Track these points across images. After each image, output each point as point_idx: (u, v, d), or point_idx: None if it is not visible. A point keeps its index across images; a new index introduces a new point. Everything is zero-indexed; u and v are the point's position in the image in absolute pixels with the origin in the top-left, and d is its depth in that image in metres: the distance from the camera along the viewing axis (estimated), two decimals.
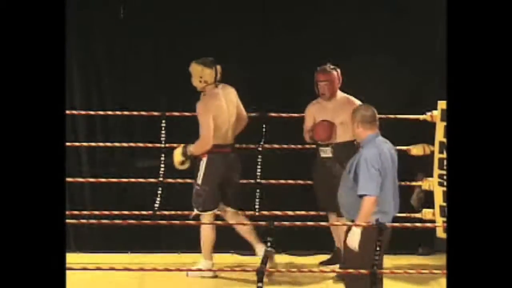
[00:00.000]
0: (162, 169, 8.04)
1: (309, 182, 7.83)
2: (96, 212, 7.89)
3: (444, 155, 7.73)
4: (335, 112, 7.10)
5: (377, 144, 5.95)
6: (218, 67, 7.36)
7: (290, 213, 7.41)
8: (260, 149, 8.06)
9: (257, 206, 7.86)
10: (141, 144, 8.13)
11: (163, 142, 8.04)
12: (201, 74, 7.27)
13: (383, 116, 7.37)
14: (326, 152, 7.18)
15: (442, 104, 7.66)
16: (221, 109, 7.35)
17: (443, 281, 7.31)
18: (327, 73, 7.11)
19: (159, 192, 8.00)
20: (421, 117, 7.93)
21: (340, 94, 7.22)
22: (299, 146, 8.02)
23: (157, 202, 7.92)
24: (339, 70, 7.20)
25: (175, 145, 7.96)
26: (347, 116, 6.53)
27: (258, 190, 7.88)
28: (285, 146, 8.15)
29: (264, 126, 8.20)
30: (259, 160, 8.12)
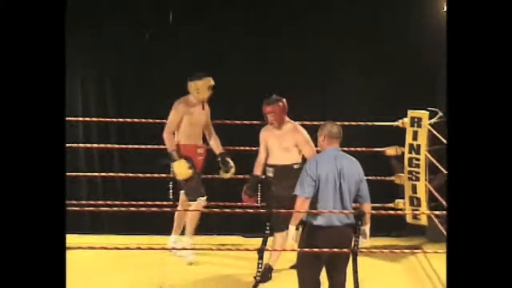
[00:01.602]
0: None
1: None
2: (125, 202, 8.33)
3: (413, 155, 8.35)
4: (282, 138, 7.24)
5: (324, 157, 6.11)
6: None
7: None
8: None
9: (259, 198, 7.84)
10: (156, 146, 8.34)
11: None
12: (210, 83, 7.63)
13: (368, 123, 8.44)
14: (269, 172, 7.37)
15: (411, 113, 8.33)
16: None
17: (412, 258, 8.18)
18: (273, 104, 7.23)
19: (171, 185, 8.19)
20: (394, 123, 8.45)
21: (288, 122, 7.33)
22: None
23: (170, 193, 8.11)
24: (284, 100, 7.27)
25: None
26: (291, 143, 7.24)
27: (259, 184, 7.80)
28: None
29: None
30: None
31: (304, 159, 7.22)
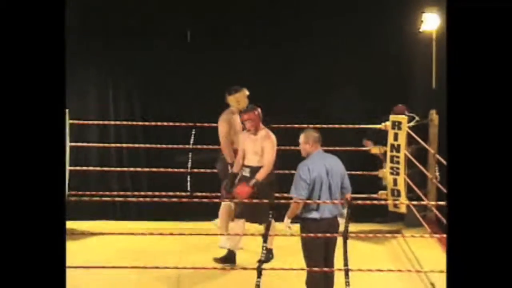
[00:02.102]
0: (190, 163, 8.66)
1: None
2: (150, 193, 8.43)
3: (394, 153, 8.28)
4: (256, 143, 7.14)
5: (314, 160, 6.13)
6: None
7: (285, 195, 6.90)
8: None
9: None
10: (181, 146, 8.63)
11: (192, 144, 8.65)
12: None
13: (356, 126, 8.51)
14: (246, 172, 7.24)
15: (392, 118, 8.30)
16: None
17: (393, 241, 8.12)
18: (249, 112, 7.14)
19: (189, 178, 8.56)
20: (378, 126, 8.46)
21: (263, 129, 7.23)
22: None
23: (188, 185, 8.46)
24: (259, 109, 7.14)
25: (198, 146, 8.57)
26: (260, 147, 7.15)
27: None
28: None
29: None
30: None
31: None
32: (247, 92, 7.66)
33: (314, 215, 6.10)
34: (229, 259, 7.29)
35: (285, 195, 7.20)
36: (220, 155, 7.71)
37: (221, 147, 7.66)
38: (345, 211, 6.20)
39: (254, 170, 7.18)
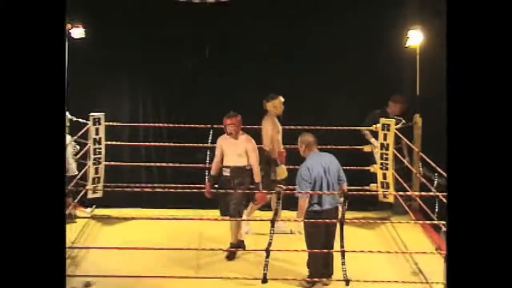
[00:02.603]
0: (207, 159, 8.68)
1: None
2: (174, 184, 8.30)
3: (383, 151, 8.25)
4: (238, 146, 7.00)
5: (312, 161, 6.21)
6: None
7: (290, 187, 7.09)
8: None
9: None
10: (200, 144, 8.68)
11: (209, 143, 8.71)
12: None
13: (351, 128, 8.57)
14: (226, 172, 7.09)
15: (382, 120, 8.30)
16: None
17: (382, 227, 8.06)
18: (232, 118, 6.99)
19: (206, 172, 8.48)
20: (370, 128, 8.48)
21: (243, 133, 7.10)
22: None
23: (206, 178, 8.34)
24: (240, 116, 7.02)
25: (215, 145, 8.11)
26: (244, 150, 6.98)
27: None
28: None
29: None
30: None
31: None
32: (282, 99, 7.66)
33: (316, 207, 6.24)
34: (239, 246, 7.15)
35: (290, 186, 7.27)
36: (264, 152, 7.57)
37: (264, 144, 7.61)
38: (341, 199, 6.27)
39: (233, 169, 7.06)
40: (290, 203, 7.13)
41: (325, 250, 6.27)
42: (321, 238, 6.26)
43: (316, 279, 6.35)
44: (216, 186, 7.20)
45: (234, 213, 6.99)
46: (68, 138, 8.02)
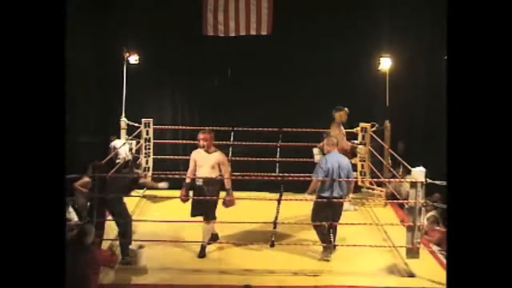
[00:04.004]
0: (230, 154, 8.35)
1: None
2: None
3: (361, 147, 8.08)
4: (210, 159, 6.17)
5: (331, 157, 6.04)
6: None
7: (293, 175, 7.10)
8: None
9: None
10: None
11: (231, 141, 8.50)
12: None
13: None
14: (200, 182, 6.18)
15: (361, 125, 8.20)
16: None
17: (361, 206, 7.79)
18: (205, 134, 6.22)
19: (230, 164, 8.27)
20: (353, 130, 8.28)
21: (213, 148, 6.26)
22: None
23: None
24: (213, 133, 6.30)
25: (235, 143, 8.40)
26: (216, 162, 6.12)
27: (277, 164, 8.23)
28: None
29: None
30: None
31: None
32: (347, 110, 7.45)
33: (326, 194, 6.05)
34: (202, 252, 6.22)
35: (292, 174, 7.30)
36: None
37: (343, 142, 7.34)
38: (345, 192, 6.02)
39: (205, 180, 6.18)
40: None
41: (323, 223, 6.04)
42: (323, 214, 6.02)
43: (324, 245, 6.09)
44: (190, 192, 6.38)
45: (210, 216, 6.21)
46: (124, 137, 8.16)
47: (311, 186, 6.06)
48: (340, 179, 6.01)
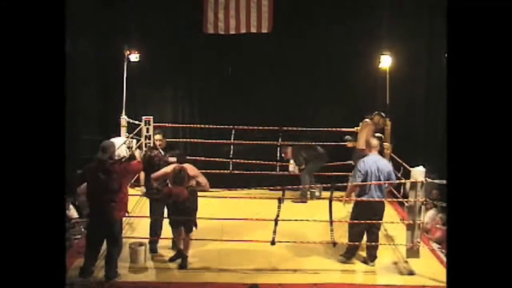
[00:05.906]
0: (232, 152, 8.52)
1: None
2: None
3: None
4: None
5: (368, 159, 5.81)
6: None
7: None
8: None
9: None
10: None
11: (232, 139, 8.46)
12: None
13: (338, 129, 8.35)
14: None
15: (358, 128, 8.04)
16: None
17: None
18: (179, 157, 6.03)
19: (231, 162, 8.37)
20: (354, 129, 8.25)
21: (187, 164, 5.81)
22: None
23: (230, 166, 8.33)
24: (186, 155, 6.27)
25: (235, 141, 8.37)
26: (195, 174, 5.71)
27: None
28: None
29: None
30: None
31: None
32: (383, 115, 7.73)
33: (366, 197, 5.82)
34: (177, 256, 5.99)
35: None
36: (355, 150, 7.51)
37: (359, 144, 7.51)
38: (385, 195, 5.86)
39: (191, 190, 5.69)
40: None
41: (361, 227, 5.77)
42: (364, 225, 5.81)
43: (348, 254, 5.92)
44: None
45: (189, 229, 5.94)
46: (125, 135, 8.11)
47: (348, 190, 5.86)
48: (378, 182, 5.76)
